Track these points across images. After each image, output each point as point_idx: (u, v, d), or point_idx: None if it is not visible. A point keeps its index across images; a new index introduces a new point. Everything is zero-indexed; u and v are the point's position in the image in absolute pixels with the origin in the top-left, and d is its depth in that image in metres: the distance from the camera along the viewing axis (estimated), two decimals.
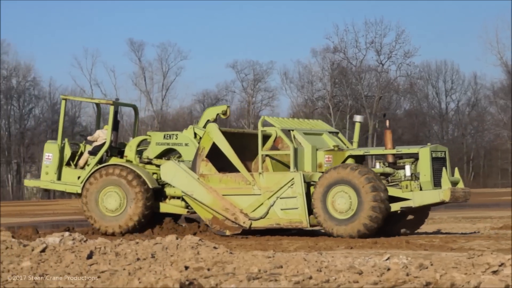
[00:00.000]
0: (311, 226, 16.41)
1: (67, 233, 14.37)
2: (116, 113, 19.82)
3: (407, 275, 7.90)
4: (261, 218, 16.44)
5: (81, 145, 19.56)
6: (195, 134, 18.10)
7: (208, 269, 8.87)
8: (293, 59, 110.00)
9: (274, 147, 17.22)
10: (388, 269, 8.41)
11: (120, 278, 8.68)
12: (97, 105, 20.61)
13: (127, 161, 18.59)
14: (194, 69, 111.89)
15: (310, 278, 7.74)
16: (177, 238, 12.75)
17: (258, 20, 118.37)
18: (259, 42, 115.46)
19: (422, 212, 17.00)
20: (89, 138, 19.53)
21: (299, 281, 7.56)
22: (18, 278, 9.29)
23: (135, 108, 21.62)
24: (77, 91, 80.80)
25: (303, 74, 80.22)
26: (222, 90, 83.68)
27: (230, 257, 9.86)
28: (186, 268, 9.01)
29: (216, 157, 17.23)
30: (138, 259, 10.63)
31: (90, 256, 10.96)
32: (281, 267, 8.56)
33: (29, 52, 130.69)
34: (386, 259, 9.89)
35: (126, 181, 17.83)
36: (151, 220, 18.21)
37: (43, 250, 11.85)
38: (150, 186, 17.86)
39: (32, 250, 11.94)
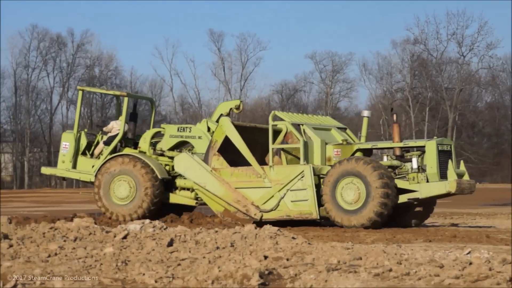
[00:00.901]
0: (320, 217, 16.78)
1: (147, 221, 14.61)
2: (134, 105, 20.55)
3: (490, 269, 7.77)
4: (272, 210, 16.86)
5: (97, 135, 20.03)
6: (208, 128, 18.51)
7: (287, 259, 8.89)
8: (373, 51, 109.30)
9: (284, 142, 17.61)
10: (470, 263, 8.28)
11: (200, 266, 8.76)
12: (116, 97, 20.87)
13: (140, 152, 19.02)
14: (273, 60, 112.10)
15: (390, 270, 7.68)
16: (255, 228, 12.82)
17: (337, 11, 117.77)
18: (338, 33, 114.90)
19: (429, 204, 17.36)
20: (104, 129, 20.05)
21: (379, 273, 7.51)
22: (101, 264, 9.47)
23: (151, 101, 22.44)
24: (158, 81, 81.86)
25: (382, 65, 79.59)
26: (300, 81, 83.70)
27: (309, 248, 9.85)
28: (265, 257, 9.04)
29: (228, 150, 17.56)
30: (217, 247, 10.72)
31: (170, 244, 11.11)
32: (360, 258, 8.52)
33: (112, 41, 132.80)
34: (467, 253, 9.74)
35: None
36: (162, 210, 18.59)
37: (124, 237, 12.07)
38: (159, 177, 18.28)
39: (114, 236, 12.17)
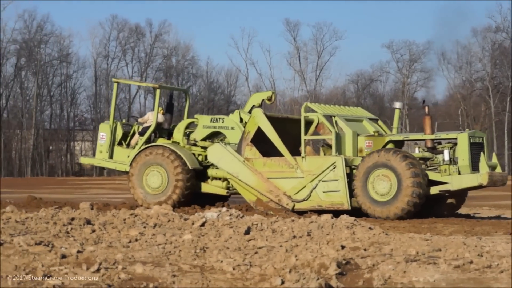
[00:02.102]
0: (352, 208, 16.76)
1: (224, 209, 14.75)
2: (171, 97, 20.84)
3: None
4: (304, 200, 17.05)
5: (133, 126, 20.30)
6: (241, 119, 18.67)
7: (365, 249, 8.87)
8: (451, 39, 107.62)
9: (316, 133, 17.72)
10: None
11: (277, 254, 8.82)
12: (154, 88, 21.08)
13: (174, 142, 19.23)
14: (349, 49, 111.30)
15: (471, 262, 7.60)
16: (332, 218, 12.82)
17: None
18: (415, 22, 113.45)
19: (460, 196, 17.44)
20: (139, 119, 20.36)
21: (459, 265, 7.44)
22: (180, 250, 9.61)
23: (186, 92, 22.79)
24: (233, 70, 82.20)
25: (462, 54, 78.21)
26: (376, 70, 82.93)
27: (386, 238, 9.81)
28: (343, 247, 9.05)
29: (261, 141, 17.70)
30: (294, 236, 10.76)
31: (247, 232, 11.19)
32: (440, 250, 8.44)
33: (189, 32, 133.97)
34: None
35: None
36: (193, 199, 18.71)
37: (202, 224, 12.21)
38: (190, 167, 18.45)
39: (192, 223, 12.33)
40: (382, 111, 71.35)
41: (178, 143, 19.17)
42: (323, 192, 16.89)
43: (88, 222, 12.11)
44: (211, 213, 13.88)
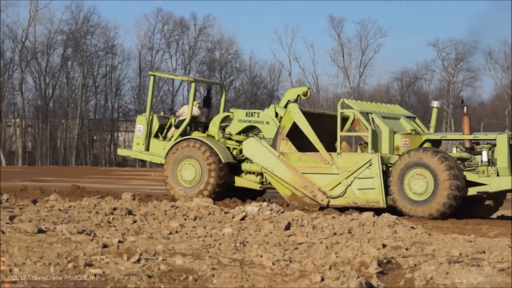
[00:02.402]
0: (387, 206, 16.61)
1: (265, 203, 14.73)
2: (208, 90, 21.06)
3: None
4: (339, 196, 17.00)
5: (170, 118, 20.35)
6: (276, 113, 18.61)
7: (407, 249, 8.79)
8: (499, 39, 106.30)
9: (351, 129, 17.68)
10: None
11: (317, 251, 8.78)
12: (189, 82, 21.25)
13: (209, 135, 19.27)
14: (394, 47, 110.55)
15: None
16: (373, 216, 12.73)
17: None
18: (462, 21, 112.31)
19: (498, 197, 17.21)
20: (176, 112, 20.45)
21: (503, 268, 7.32)
22: (220, 244, 9.62)
23: (222, 86, 23.13)
24: (276, 65, 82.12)
25: (509, 54, 77.14)
26: (421, 68, 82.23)
27: (429, 238, 9.71)
28: (384, 246, 8.97)
29: (296, 136, 17.66)
30: (334, 233, 10.71)
31: (288, 227, 11.16)
32: (484, 252, 8.33)
33: (233, 25, 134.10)
34: None
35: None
36: (227, 193, 18.73)
37: (243, 218, 12.21)
38: (223, 161, 18.47)
39: (233, 217, 12.33)
40: (426, 109, 70.68)
41: (213, 137, 19.24)
42: (359, 189, 16.81)
43: (130, 212, 12.19)
44: (251, 207, 13.87)
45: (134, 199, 15.82)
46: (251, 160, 18.41)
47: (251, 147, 18.08)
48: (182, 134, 19.49)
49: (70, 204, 13.21)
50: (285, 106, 18.58)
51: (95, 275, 7.21)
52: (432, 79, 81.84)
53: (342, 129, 17.31)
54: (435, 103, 18.56)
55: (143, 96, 73.92)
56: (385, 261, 7.80)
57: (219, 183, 18.50)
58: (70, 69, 73.89)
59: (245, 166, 18.75)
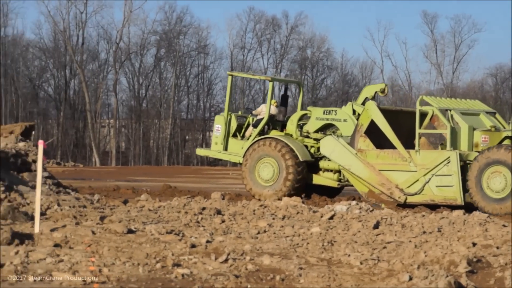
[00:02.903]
0: (465, 203, 16.48)
1: (354, 202, 14.64)
2: (286, 89, 21.00)
3: None
4: (416, 194, 16.94)
5: (248, 117, 20.29)
6: (354, 111, 18.50)
7: (497, 247, 8.59)
8: None
9: (430, 126, 17.49)
10: None
11: (406, 250, 8.66)
12: (267, 81, 21.17)
13: (286, 134, 19.20)
14: (489, 42, 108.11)
15: None
16: (464, 214, 12.50)
17: None
18: None
19: None
20: (253, 111, 20.34)
21: None
22: (308, 243, 9.60)
23: (299, 84, 22.77)
24: (368, 63, 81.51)
25: None
26: None
27: None
28: (474, 244, 8.79)
29: (373, 134, 17.59)
30: (424, 232, 10.56)
31: (376, 226, 11.06)
32: None
33: (324, 23, 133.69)
34: None
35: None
36: (305, 190, 18.69)
37: (331, 217, 12.16)
38: (301, 159, 18.41)
39: (321, 216, 12.30)
40: None
41: (291, 135, 19.28)
42: (436, 186, 16.74)
43: (219, 212, 12.29)
44: (340, 206, 13.80)
45: (223, 199, 15.95)
46: (328, 158, 18.41)
47: (329, 145, 18.11)
48: (260, 133, 19.58)
49: (160, 204, 13.41)
50: (363, 104, 18.53)
51: (182, 275, 7.28)
52: None
53: (420, 126, 17.23)
54: None
55: (235, 96, 74.49)
56: (475, 260, 7.65)
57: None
58: (163, 69, 75.01)
59: (323, 164, 18.76)
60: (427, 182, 16.81)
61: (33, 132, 16.61)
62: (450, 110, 17.36)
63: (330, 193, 19.11)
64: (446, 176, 16.63)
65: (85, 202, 12.41)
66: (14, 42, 68.92)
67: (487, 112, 18.08)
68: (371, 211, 13.26)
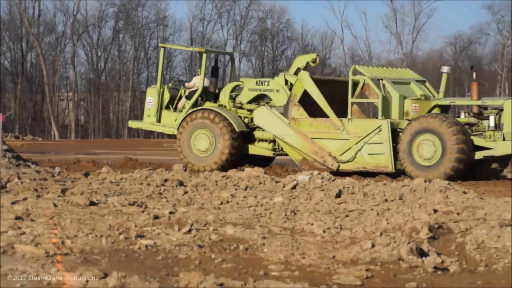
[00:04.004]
0: (396, 171, 17.05)
1: (316, 172, 14.71)
2: (216, 61, 21.25)
3: None
4: (349, 161, 17.44)
5: (180, 90, 20.47)
6: (286, 81, 18.86)
7: (458, 214, 8.71)
8: None
9: (362, 94, 18.07)
10: None
11: (368, 218, 8.74)
12: (200, 53, 21.32)
13: (220, 105, 19.47)
14: (447, 11, 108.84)
15: None
16: (425, 181, 12.62)
17: None
18: None
19: (504, 160, 17.67)
20: (186, 84, 20.56)
21: None
22: (271, 213, 9.65)
23: (231, 56, 23.56)
24: (328, 33, 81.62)
25: None
26: (475, 32, 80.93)
27: (480, 203, 9.61)
28: (435, 211, 8.90)
29: (306, 103, 17.94)
30: (386, 200, 10.66)
31: (338, 195, 11.14)
32: None
33: None
34: None
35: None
36: (242, 162, 18.98)
37: (293, 187, 12.22)
38: (237, 129, 18.70)
39: (284, 186, 12.34)
40: (481, 74, 69.69)
41: (225, 106, 19.46)
42: (368, 154, 17.19)
43: (181, 183, 12.28)
44: (302, 176, 13.86)
45: (185, 170, 15.92)
46: (263, 128, 18.73)
47: (262, 116, 18.42)
48: (193, 105, 19.69)
49: (122, 177, 13.36)
50: (295, 74, 18.85)
51: (146, 246, 7.28)
52: (486, 43, 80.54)
53: (353, 96, 17.65)
54: (444, 69, 18.85)
55: (195, 68, 74.13)
56: (436, 226, 7.74)
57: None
58: (122, 42, 74.42)
59: (257, 134, 19.03)
60: (359, 150, 17.28)
61: None
62: (382, 79, 17.76)
63: (264, 162, 19.37)
64: (377, 144, 17.10)
65: (45, 175, 12.32)
66: None
67: (417, 81, 18.55)
68: (333, 180, 13.34)
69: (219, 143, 18.73)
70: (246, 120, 19.15)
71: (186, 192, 11.33)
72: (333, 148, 17.54)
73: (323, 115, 17.74)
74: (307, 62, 19.28)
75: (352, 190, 11.75)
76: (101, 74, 73.17)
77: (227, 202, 10.54)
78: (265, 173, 14.79)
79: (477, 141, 16.78)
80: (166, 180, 12.40)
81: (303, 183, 12.86)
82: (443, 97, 18.27)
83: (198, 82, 19.96)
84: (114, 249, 7.18)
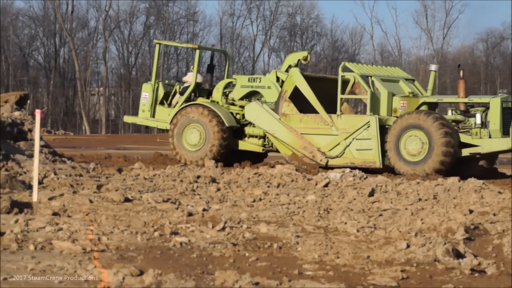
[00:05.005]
0: (383, 166, 17.24)
1: (347, 170, 14.68)
2: (211, 57, 21.65)
3: None
4: (337, 157, 17.68)
5: (175, 85, 20.82)
6: (278, 78, 19.16)
7: (494, 214, 8.64)
8: None
9: (352, 92, 18.22)
10: None
11: (402, 217, 8.71)
12: (194, 49, 21.56)
13: (212, 101, 19.73)
14: (479, 7, 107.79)
15: None
16: (459, 181, 12.56)
17: None
18: None
19: (492, 158, 17.86)
20: (183, 79, 20.80)
21: None
22: (304, 211, 9.64)
23: (225, 53, 23.90)
24: (358, 29, 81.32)
25: None
26: (507, 28, 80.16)
27: None
28: (471, 211, 8.85)
29: (297, 100, 18.18)
30: (419, 199, 10.60)
31: (371, 194, 11.10)
32: None
33: None
34: None
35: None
36: (233, 157, 19.13)
37: (326, 185, 12.20)
38: (227, 124, 18.94)
39: (316, 184, 12.33)
40: None
41: (217, 102, 19.76)
42: (356, 150, 17.44)
43: (213, 180, 12.31)
44: (334, 174, 13.85)
45: (217, 167, 15.96)
46: (253, 124, 19.01)
47: (253, 111, 18.69)
48: (186, 101, 20.01)
49: (155, 173, 13.42)
50: (287, 71, 19.08)
51: (181, 244, 7.30)
52: None
53: (343, 92, 17.92)
54: (432, 67, 19.15)
55: (223, 63, 74.23)
56: (472, 227, 7.69)
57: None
58: (153, 37, 74.63)
59: (248, 130, 19.30)
60: (348, 146, 17.52)
61: (29, 102, 16.62)
62: (371, 77, 18.04)
63: (255, 158, 19.57)
64: (365, 140, 17.36)
65: (81, 171, 12.41)
66: (4, 11, 68.38)
67: (406, 79, 18.85)
68: (365, 178, 13.31)
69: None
70: (238, 117, 19.48)
71: (218, 189, 11.36)
72: (322, 144, 17.82)
73: (313, 111, 18.07)
74: (298, 60, 19.69)
75: (385, 189, 11.71)
76: (132, 69, 73.50)
77: (260, 199, 10.55)
78: (297, 170, 14.80)
79: (464, 138, 16.99)
80: (198, 177, 12.43)
81: (335, 181, 12.84)
82: (430, 95, 18.60)
83: (192, 77, 20.29)
84: (149, 246, 7.21)
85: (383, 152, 17.20)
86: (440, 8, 79.43)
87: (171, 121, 19.55)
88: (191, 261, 6.76)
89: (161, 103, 20.47)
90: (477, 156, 17.22)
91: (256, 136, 19.20)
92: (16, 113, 14.59)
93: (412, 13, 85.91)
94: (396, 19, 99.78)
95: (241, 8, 77.91)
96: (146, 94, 20.62)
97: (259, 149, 19.27)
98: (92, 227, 7.80)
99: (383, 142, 17.18)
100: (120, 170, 13.80)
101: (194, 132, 19.22)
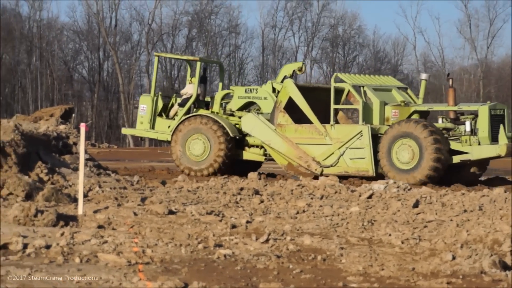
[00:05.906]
0: (376, 175, 17.41)
1: (391, 181, 14.61)
2: (205, 69, 21.66)
3: None
4: (332, 166, 17.93)
5: (172, 98, 20.98)
6: (274, 89, 19.28)
7: None
8: None
9: (347, 101, 18.56)
10: None
11: (447, 229, 8.62)
12: (189, 61, 22.10)
13: (212, 112, 19.89)
14: None
15: None
16: (505, 191, 12.41)
17: None
18: None
19: (482, 164, 18.04)
20: (181, 91, 20.86)
21: None
22: (347, 223, 9.60)
23: (220, 65, 24.22)
24: (400, 39, 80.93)
25: None
26: None
27: None
28: None
29: (292, 110, 18.35)
30: (465, 210, 10.50)
31: (416, 205, 11.03)
32: None
33: (356, 0, 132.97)
34: None
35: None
36: (236, 167, 19.20)
37: (369, 196, 12.14)
38: (231, 135, 19.08)
39: (360, 196, 12.28)
40: None
41: (217, 113, 19.93)
42: (350, 159, 17.71)
43: (257, 192, 12.32)
44: (378, 185, 13.79)
45: (260, 179, 15.99)
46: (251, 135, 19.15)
47: (249, 122, 18.91)
48: (186, 112, 20.14)
49: (198, 185, 13.48)
50: (282, 82, 19.21)
51: (225, 256, 7.32)
52: None
53: (337, 102, 18.24)
54: (423, 76, 19.62)
55: (266, 75, 74.46)
56: None
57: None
58: (195, 50, 75.01)
59: (249, 139, 19.46)
60: (342, 155, 17.77)
61: (73, 115, 16.87)
62: (363, 87, 18.29)
63: (253, 167, 19.69)
64: (359, 149, 17.64)
65: (125, 184, 12.51)
66: (49, 25, 69.41)
67: (399, 88, 19.06)
68: (409, 189, 13.23)
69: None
70: (237, 127, 19.63)
71: (262, 201, 11.36)
72: (316, 153, 18.04)
73: (308, 121, 18.25)
74: (293, 71, 19.94)
75: (429, 200, 11.63)
76: (175, 82, 73.92)
77: (303, 211, 10.54)
78: (340, 181, 14.76)
79: (454, 145, 17.24)
80: (241, 189, 12.46)
81: (379, 192, 12.78)
82: (422, 103, 18.82)
83: (191, 90, 20.43)
84: (193, 258, 7.24)
85: (376, 161, 17.43)
86: (484, 18, 78.69)
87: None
88: (235, 273, 6.77)
89: (160, 114, 20.68)
90: (467, 162, 17.46)
91: (257, 146, 19.40)
92: (61, 127, 14.78)
93: (456, 22, 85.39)
94: (439, 29, 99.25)
95: (283, 20, 78.00)
96: (144, 106, 20.84)
97: (261, 159, 19.52)
98: (136, 239, 7.85)
99: (376, 151, 17.42)
100: (163, 183, 13.89)
101: (198, 143, 19.41)
